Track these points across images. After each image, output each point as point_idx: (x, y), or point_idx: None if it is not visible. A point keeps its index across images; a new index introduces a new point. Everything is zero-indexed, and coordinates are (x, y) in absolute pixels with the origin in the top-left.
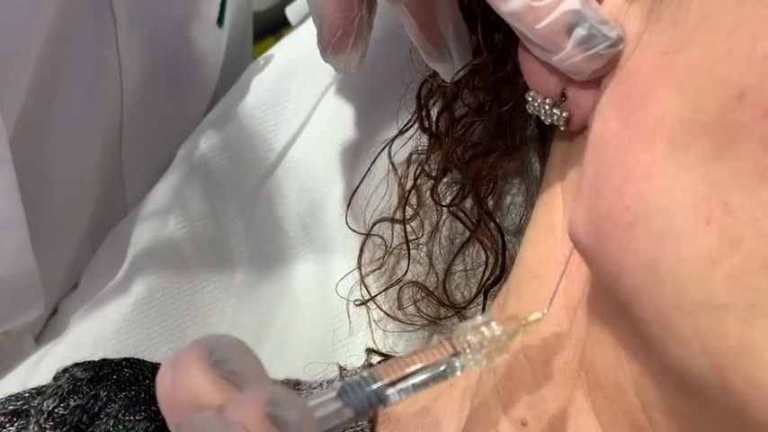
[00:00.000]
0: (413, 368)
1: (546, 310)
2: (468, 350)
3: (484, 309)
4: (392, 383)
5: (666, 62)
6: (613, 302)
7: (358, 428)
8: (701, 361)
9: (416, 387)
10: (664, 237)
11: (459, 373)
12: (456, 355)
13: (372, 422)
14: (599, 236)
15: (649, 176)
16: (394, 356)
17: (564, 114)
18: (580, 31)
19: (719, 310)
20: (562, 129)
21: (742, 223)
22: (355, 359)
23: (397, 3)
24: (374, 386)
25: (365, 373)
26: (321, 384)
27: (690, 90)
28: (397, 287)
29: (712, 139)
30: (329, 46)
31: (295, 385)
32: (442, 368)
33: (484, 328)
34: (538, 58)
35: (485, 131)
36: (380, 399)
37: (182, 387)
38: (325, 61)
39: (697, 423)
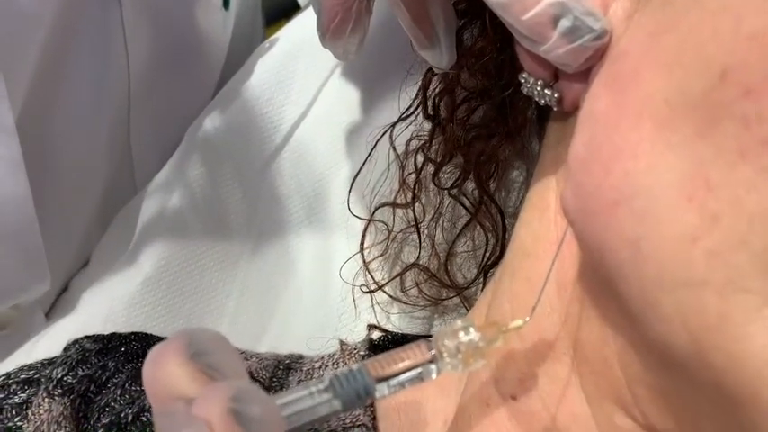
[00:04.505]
0: (394, 368)
1: (528, 318)
2: (445, 354)
3: (483, 289)
4: (380, 380)
5: (655, 43)
6: (600, 279)
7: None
8: (682, 336)
9: (391, 388)
10: (647, 215)
11: (434, 376)
12: (433, 360)
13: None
14: (585, 213)
15: (636, 155)
16: (394, 333)
17: (555, 95)
18: (565, 23)
19: (699, 287)
20: (555, 109)
21: (722, 201)
22: (356, 335)
23: None
24: (365, 380)
25: (355, 367)
26: (322, 358)
27: (676, 70)
28: (399, 269)
29: (697, 118)
30: (327, 32)
31: (298, 359)
32: (419, 371)
33: (462, 333)
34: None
35: (487, 115)
36: (368, 392)
37: (161, 376)
38: (324, 47)
39: (679, 397)
